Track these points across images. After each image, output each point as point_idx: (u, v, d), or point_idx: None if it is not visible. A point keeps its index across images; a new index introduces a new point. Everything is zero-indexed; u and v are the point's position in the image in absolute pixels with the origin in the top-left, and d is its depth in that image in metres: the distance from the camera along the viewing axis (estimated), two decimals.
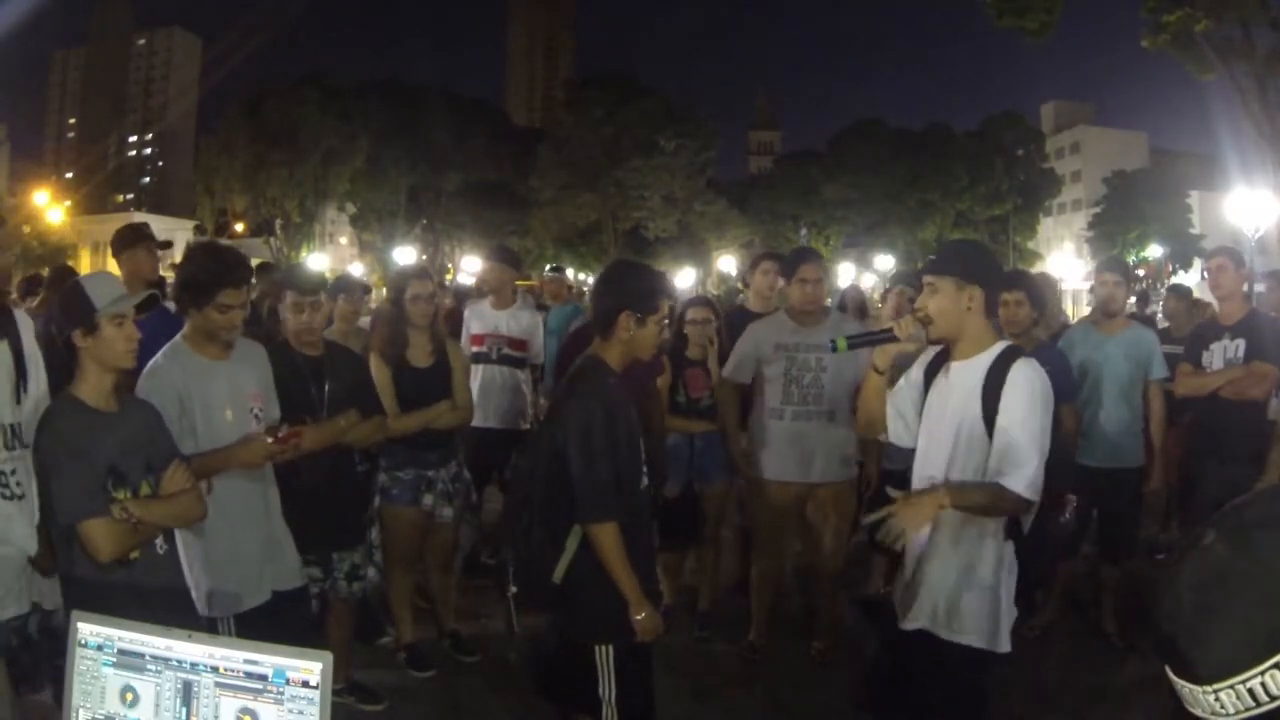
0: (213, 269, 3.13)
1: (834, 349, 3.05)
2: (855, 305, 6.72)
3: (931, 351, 2.88)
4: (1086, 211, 54.57)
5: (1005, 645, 2.70)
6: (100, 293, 2.58)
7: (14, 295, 4.65)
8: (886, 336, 2.87)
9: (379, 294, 16.15)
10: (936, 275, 2.72)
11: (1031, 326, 4.61)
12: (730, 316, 5.25)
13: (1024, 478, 2.54)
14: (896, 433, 2.94)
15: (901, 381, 2.92)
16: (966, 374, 2.70)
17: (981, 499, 2.61)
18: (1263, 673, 0.77)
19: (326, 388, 3.67)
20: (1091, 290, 4.93)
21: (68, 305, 2.60)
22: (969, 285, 2.67)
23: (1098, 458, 4.69)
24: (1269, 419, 4.50)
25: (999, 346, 2.70)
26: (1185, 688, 0.82)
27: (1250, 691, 0.77)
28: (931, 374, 2.83)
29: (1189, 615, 0.81)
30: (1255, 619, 0.78)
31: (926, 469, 2.79)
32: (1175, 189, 47.46)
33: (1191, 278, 33.22)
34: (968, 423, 2.67)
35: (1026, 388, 2.59)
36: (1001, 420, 2.58)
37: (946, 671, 2.73)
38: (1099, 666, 4.52)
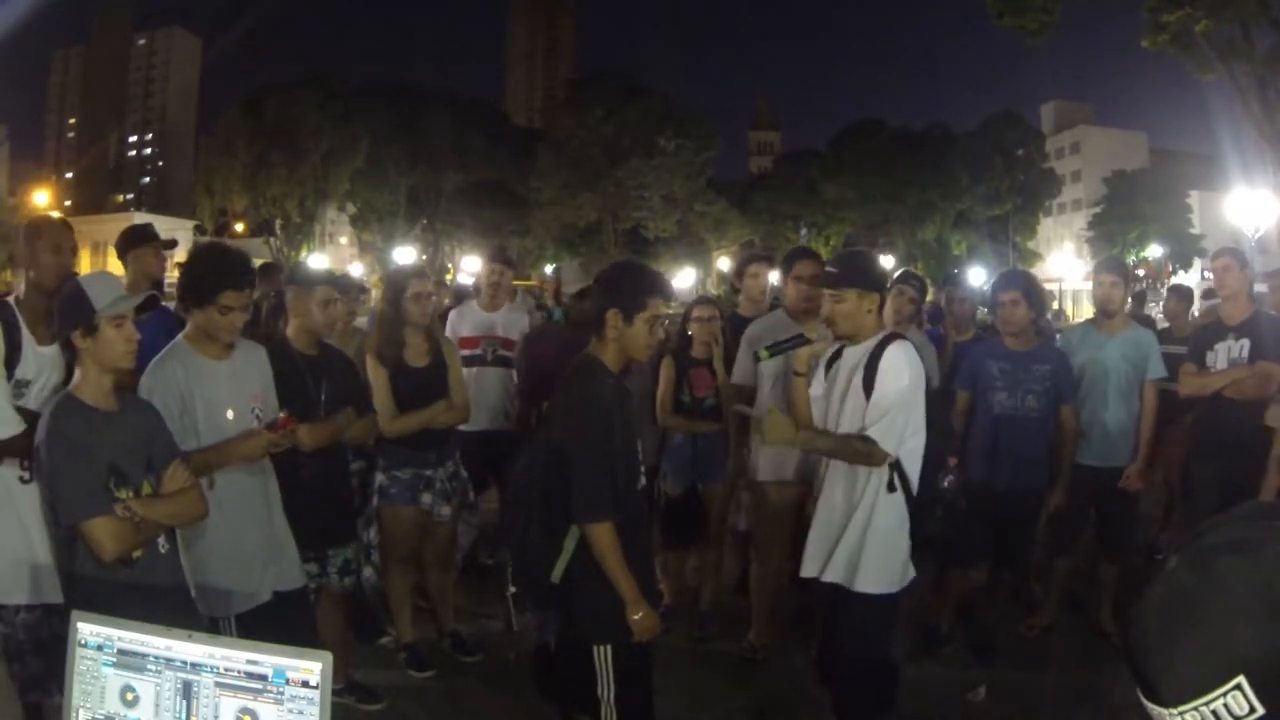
0: (216, 270, 3.15)
1: (758, 360, 3.66)
2: None
3: (830, 350, 3.43)
4: (1086, 211, 54.58)
5: (866, 587, 3.18)
6: (100, 294, 2.59)
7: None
8: (801, 341, 3.39)
9: (379, 294, 16.15)
10: (841, 289, 3.25)
11: (1029, 325, 4.61)
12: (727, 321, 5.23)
13: (883, 429, 3.10)
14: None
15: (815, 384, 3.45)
16: (854, 355, 3.28)
17: (830, 444, 3.27)
18: (1225, 694, 0.78)
19: (324, 386, 3.69)
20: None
21: (68, 306, 2.61)
22: (869, 294, 3.25)
23: (1096, 457, 4.68)
24: (1266, 425, 4.48)
25: (882, 334, 3.27)
26: (1154, 710, 0.84)
27: (1214, 713, 0.79)
28: (830, 362, 3.41)
29: (1153, 640, 0.83)
30: (1216, 642, 0.79)
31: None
32: (1175, 189, 47.49)
33: (1192, 278, 33.27)
34: (853, 391, 3.23)
35: (894, 363, 3.15)
36: (876, 386, 3.14)
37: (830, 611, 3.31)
38: (1099, 666, 4.52)
